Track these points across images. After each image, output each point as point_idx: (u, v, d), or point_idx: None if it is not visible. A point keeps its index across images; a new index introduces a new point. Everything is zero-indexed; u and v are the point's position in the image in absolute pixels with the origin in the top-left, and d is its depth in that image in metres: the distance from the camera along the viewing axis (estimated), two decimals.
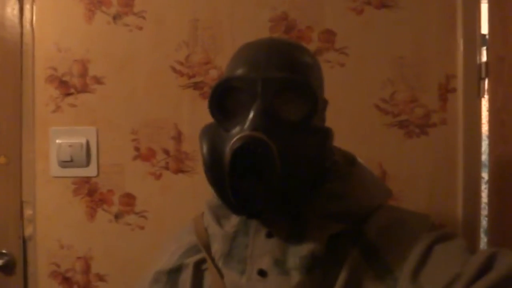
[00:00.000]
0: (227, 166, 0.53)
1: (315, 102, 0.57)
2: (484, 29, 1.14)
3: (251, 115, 0.55)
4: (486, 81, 1.12)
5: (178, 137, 1.18)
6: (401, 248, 0.54)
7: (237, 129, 0.56)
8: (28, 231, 1.21)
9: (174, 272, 0.64)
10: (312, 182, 0.56)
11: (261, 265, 0.56)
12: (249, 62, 0.59)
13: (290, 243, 0.57)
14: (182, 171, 1.18)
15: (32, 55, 1.20)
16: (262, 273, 0.56)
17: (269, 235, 0.58)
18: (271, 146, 0.52)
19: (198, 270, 0.62)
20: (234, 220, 0.63)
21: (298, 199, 0.57)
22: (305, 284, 0.54)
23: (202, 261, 0.63)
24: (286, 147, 0.54)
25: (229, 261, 0.59)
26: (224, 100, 0.59)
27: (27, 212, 1.21)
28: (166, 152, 1.19)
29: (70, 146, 1.18)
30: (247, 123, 0.55)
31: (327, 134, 0.58)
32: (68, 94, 1.20)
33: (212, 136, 0.59)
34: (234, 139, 0.53)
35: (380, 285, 0.52)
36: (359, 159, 0.68)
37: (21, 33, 1.20)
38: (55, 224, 1.20)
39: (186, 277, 0.62)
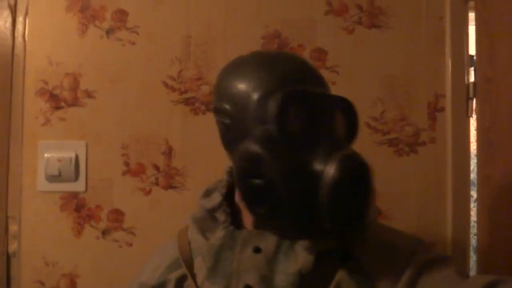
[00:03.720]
0: (332, 191, 0.50)
1: (357, 121, 0.61)
2: (472, 50, 1.17)
3: (329, 133, 0.56)
4: (474, 101, 1.14)
5: (168, 153, 1.17)
6: (391, 272, 0.54)
7: (320, 146, 0.54)
8: (12, 247, 1.18)
9: None
10: None
11: (247, 280, 0.55)
12: (299, 76, 0.59)
13: (278, 259, 0.56)
14: (172, 187, 1.17)
15: (23, 68, 1.19)
16: None
17: (256, 250, 0.57)
18: (372, 169, 0.54)
19: (180, 286, 0.62)
20: (219, 233, 0.61)
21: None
22: None
23: (184, 277, 0.62)
24: None
25: (214, 275, 0.58)
26: (286, 110, 0.56)
27: (12, 227, 1.18)
28: (156, 167, 1.18)
29: (58, 160, 1.17)
30: (335, 143, 0.55)
31: None
32: (58, 108, 1.19)
33: (282, 151, 0.54)
34: (334, 165, 0.51)
35: None
36: None
37: (13, 46, 1.19)
38: (41, 240, 1.17)
39: None
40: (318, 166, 0.52)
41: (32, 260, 1.17)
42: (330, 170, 0.51)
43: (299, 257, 0.55)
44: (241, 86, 0.61)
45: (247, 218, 0.63)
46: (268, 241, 0.58)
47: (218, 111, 0.64)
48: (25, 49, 1.20)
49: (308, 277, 0.54)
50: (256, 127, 0.57)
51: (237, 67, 0.64)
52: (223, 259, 0.58)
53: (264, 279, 0.55)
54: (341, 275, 0.54)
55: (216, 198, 0.65)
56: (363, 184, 0.53)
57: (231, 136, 0.61)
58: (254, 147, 0.55)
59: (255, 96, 0.58)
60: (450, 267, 0.54)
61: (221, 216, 0.63)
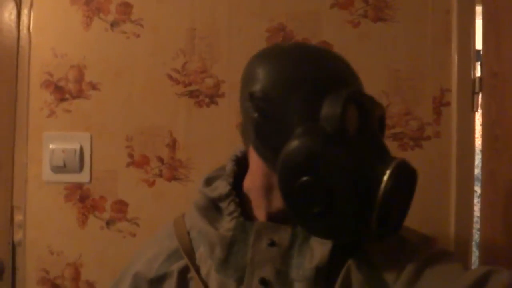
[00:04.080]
0: (383, 194, 0.50)
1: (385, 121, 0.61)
2: (479, 44, 1.16)
3: (379, 135, 0.58)
4: (480, 96, 1.13)
5: (172, 145, 1.18)
6: (398, 264, 0.54)
7: (377, 151, 0.55)
8: (17, 236, 1.19)
9: (157, 281, 0.61)
10: None
11: (262, 274, 0.55)
12: (345, 75, 0.60)
13: (293, 253, 0.55)
14: (175, 179, 1.18)
15: (28, 60, 1.20)
16: (264, 283, 0.54)
17: (271, 244, 0.56)
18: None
19: (183, 279, 0.59)
20: (228, 224, 0.59)
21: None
22: None
23: (186, 269, 0.60)
24: None
25: (226, 267, 0.57)
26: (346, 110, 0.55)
27: (17, 217, 1.19)
28: (160, 159, 1.18)
29: (63, 151, 1.18)
30: (385, 148, 0.56)
31: None
32: (63, 100, 1.20)
33: (341, 156, 0.53)
34: (389, 170, 0.51)
35: None
36: None
37: (18, 38, 1.20)
38: (46, 230, 1.19)
39: (170, 287, 0.60)
40: (373, 170, 0.52)
41: (37, 250, 1.19)
42: (385, 176, 0.50)
43: (315, 251, 0.54)
44: (286, 75, 0.57)
45: (259, 210, 0.61)
46: (282, 234, 0.57)
47: (252, 98, 0.58)
48: (30, 42, 1.20)
49: (322, 271, 0.54)
50: (304, 123, 0.54)
51: (279, 55, 0.60)
52: (235, 251, 0.57)
53: (279, 273, 0.54)
54: (349, 266, 0.54)
55: (223, 187, 0.62)
56: (411, 190, 0.55)
57: (268, 127, 0.57)
58: (311, 144, 0.53)
59: (303, 90, 0.56)
60: (456, 262, 0.54)
61: (229, 206, 0.60)
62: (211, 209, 0.62)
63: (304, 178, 0.52)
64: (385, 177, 0.50)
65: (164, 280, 0.61)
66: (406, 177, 0.53)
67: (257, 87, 0.58)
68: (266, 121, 0.57)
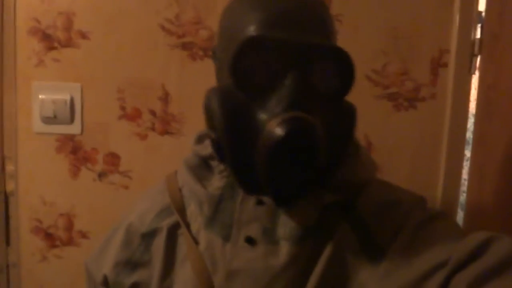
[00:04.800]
0: (268, 153, 0.47)
1: (354, 74, 0.52)
2: (481, 6, 1.13)
3: (287, 86, 0.48)
4: (478, 58, 1.12)
5: (165, 98, 1.16)
6: (393, 226, 0.53)
7: (272, 102, 0.49)
8: (10, 186, 1.19)
9: (148, 236, 0.61)
10: (341, 162, 0.53)
11: (249, 232, 0.54)
12: (281, 19, 0.51)
13: (280, 212, 0.54)
14: (168, 133, 1.17)
15: (13, 5, 1.14)
16: (250, 241, 0.54)
17: (259, 202, 0.55)
18: (319, 131, 0.47)
19: (173, 235, 0.59)
20: (217, 182, 0.58)
21: (327, 181, 0.53)
22: (294, 255, 0.52)
23: (176, 225, 0.60)
24: (326, 125, 0.50)
25: (212, 225, 0.56)
26: (245, 61, 0.50)
27: (9, 167, 1.19)
28: (153, 113, 1.17)
29: (53, 102, 1.15)
30: (286, 97, 0.48)
31: (356, 110, 0.54)
32: (52, 48, 1.16)
33: (233, 104, 0.50)
34: (277, 120, 0.47)
35: (367, 259, 0.51)
36: None
37: None
38: (38, 181, 1.19)
39: (159, 242, 0.59)
40: (261, 124, 0.48)
41: (29, 200, 1.19)
42: (271, 128, 0.47)
43: (303, 209, 0.53)
44: (221, 26, 0.58)
45: None
46: None
47: (213, 56, 0.61)
48: None
49: (311, 230, 0.53)
50: (228, 78, 0.52)
51: (234, 4, 0.57)
52: (222, 209, 0.56)
53: (266, 231, 0.54)
54: (342, 229, 0.53)
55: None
56: (310, 151, 0.47)
57: (217, 82, 0.59)
58: (208, 100, 0.53)
59: (233, 42, 0.51)
60: (453, 224, 0.54)
61: (220, 165, 0.58)
62: (202, 167, 0.60)
63: (212, 135, 0.56)
64: (271, 129, 0.47)
65: (155, 235, 0.61)
66: (297, 132, 0.46)
67: (215, 44, 0.60)
68: (217, 80, 0.60)
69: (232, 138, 0.50)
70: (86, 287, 0.68)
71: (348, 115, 0.54)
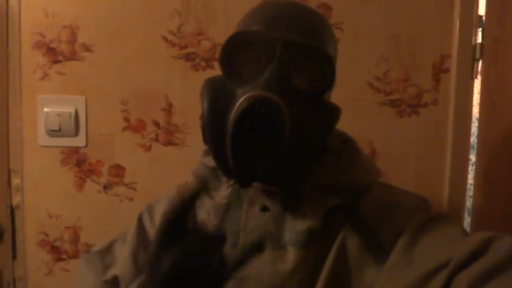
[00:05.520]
0: (231, 125, 0.50)
1: (333, 75, 0.55)
2: (481, 10, 1.13)
3: (265, 75, 0.51)
4: (480, 63, 1.12)
5: (168, 109, 1.17)
6: (395, 227, 0.54)
7: (247, 87, 0.52)
8: (16, 200, 1.20)
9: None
10: (314, 157, 0.54)
11: (256, 238, 0.55)
12: (269, 20, 0.55)
13: (286, 217, 0.56)
14: (172, 144, 1.18)
15: (18, 20, 1.16)
16: (257, 247, 0.55)
17: (264, 209, 0.57)
18: (284, 109, 0.49)
19: None
20: (224, 192, 0.61)
21: (297, 172, 0.54)
22: (301, 259, 0.53)
23: None
24: (297, 116, 0.51)
25: None
26: (235, 55, 0.55)
27: (15, 181, 1.19)
28: (156, 124, 1.17)
29: (58, 115, 1.16)
30: (260, 83, 0.51)
31: (337, 111, 0.56)
32: (56, 62, 1.17)
33: (216, 90, 0.54)
34: (244, 96, 0.50)
35: (371, 260, 0.52)
36: (352, 138, 0.67)
37: None
38: (43, 194, 1.19)
39: None
40: (230, 104, 0.52)
41: (35, 213, 1.20)
42: (238, 104, 0.50)
43: (308, 215, 0.55)
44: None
45: None
46: (275, 199, 0.58)
47: None
48: (20, 0, 1.16)
49: (316, 234, 0.54)
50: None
51: (247, 12, 0.61)
52: (229, 217, 0.58)
53: (272, 237, 0.55)
54: (346, 231, 0.54)
55: None
56: (270, 129, 0.49)
57: None
58: (203, 86, 0.57)
59: None
60: (455, 225, 0.54)
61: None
62: (211, 178, 0.62)
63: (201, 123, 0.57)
64: (235, 108, 0.50)
65: None
66: (260, 106, 0.48)
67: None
68: None
69: (211, 119, 0.53)
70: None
71: (328, 114, 0.55)
